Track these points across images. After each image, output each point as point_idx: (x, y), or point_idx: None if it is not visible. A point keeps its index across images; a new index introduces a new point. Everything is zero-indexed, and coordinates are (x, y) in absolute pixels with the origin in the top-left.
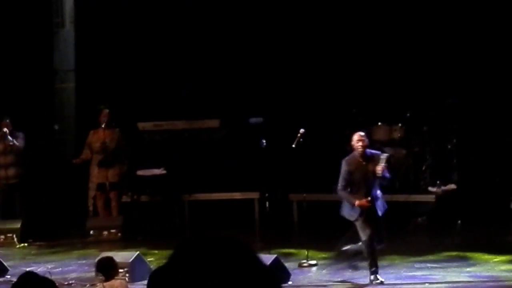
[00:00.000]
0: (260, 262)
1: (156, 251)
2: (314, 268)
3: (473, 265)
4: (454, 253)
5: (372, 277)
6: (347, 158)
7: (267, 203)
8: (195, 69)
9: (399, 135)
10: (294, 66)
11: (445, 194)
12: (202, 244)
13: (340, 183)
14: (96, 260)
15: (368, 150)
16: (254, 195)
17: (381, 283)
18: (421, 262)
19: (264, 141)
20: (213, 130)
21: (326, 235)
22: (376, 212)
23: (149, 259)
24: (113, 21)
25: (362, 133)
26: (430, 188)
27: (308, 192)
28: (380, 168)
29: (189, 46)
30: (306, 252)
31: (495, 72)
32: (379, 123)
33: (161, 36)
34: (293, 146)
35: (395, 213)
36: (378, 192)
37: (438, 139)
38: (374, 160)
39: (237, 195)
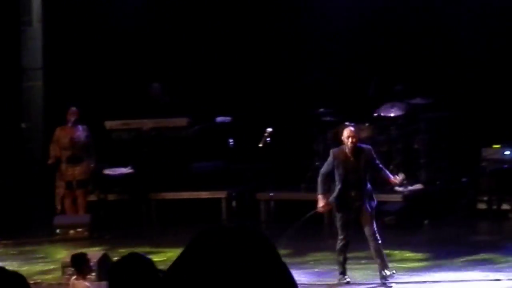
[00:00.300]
0: (278, 254)
1: (123, 250)
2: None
3: (440, 265)
4: (421, 253)
5: (340, 276)
6: (334, 149)
7: (234, 202)
8: (163, 68)
9: (366, 134)
10: (261, 66)
11: (412, 194)
12: (220, 234)
13: (322, 169)
14: (70, 255)
15: (359, 145)
16: (221, 194)
17: (348, 283)
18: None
19: (232, 140)
20: (181, 129)
21: (293, 234)
22: (364, 209)
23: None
24: (81, 19)
25: (353, 128)
26: (397, 188)
27: (275, 191)
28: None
29: (157, 45)
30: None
31: (462, 73)
32: (346, 123)
33: (129, 35)
34: (260, 145)
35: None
36: (368, 187)
37: (405, 138)
38: (364, 155)
39: (204, 194)
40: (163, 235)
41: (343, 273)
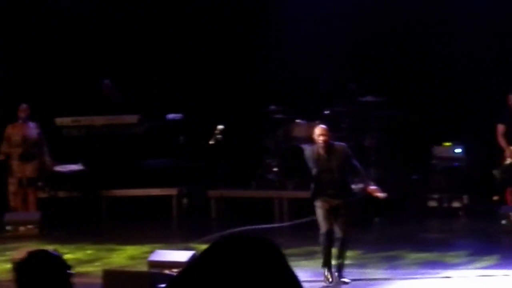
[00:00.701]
0: (289, 267)
1: (73, 247)
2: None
3: (391, 262)
4: (371, 251)
5: (326, 273)
6: (307, 148)
7: (185, 199)
8: (114, 65)
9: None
10: (213, 63)
11: (362, 191)
12: (235, 244)
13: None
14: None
15: (331, 142)
16: (172, 191)
17: (328, 280)
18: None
19: (183, 137)
20: (132, 126)
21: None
22: (340, 209)
23: (66, 255)
24: (31, 15)
25: (324, 126)
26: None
27: (226, 188)
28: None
29: (108, 42)
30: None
31: (413, 71)
32: (298, 120)
33: (79, 31)
34: (211, 142)
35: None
36: (347, 186)
37: (356, 136)
38: (337, 153)
39: (155, 192)
40: (114, 232)
41: (329, 270)
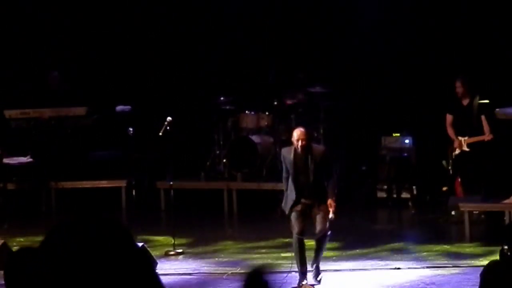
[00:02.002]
0: (134, 243)
1: (22, 239)
2: (180, 257)
3: (340, 254)
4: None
5: (303, 281)
6: (284, 148)
7: (134, 191)
8: (62, 56)
9: (266, 123)
10: (161, 54)
11: None
12: (78, 225)
13: (283, 174)
14: None
15: (310, 145)
16: (121, 183)
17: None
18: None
19: (132, 129)
20: (80, 118)
21: (193, 223)
22: (316, 209)
23: (14, 247)
24: None
25: (303, 129)
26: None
27: (175, 180)
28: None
29: (55, 33)
30: (172, 240)
31: (362, 61)
32: (246, 111)
33: (27, 22)
34: (160, 134)
35: (262, 201)
36: (323, 188)
37: (304, 126)
38: (314, 156)
39: (104, 183)
40: None
41: (303, 275)
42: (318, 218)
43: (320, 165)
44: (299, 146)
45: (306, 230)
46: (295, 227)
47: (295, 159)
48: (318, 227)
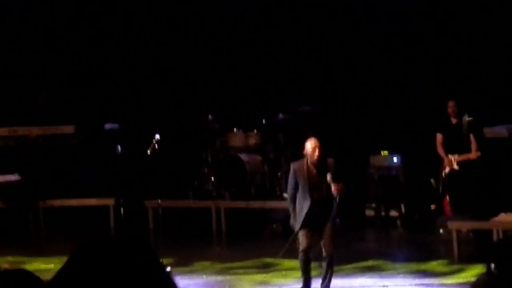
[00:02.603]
0: (162, 265)
1: (10, 258)
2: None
3: None
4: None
5: None
6: (294, 163)
7: (122, 209)
8: (50, 75)
9: (254, 141)
10: (148, 72)
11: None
12: (104, 245)
13: (288, 190)
14: None
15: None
16: (110, 201)
17: None
18: (275, 269)
19: (120, 147)
20: (68, 136)
21: (181, 242)
22: (326, 227)
23: (3, 266)
24: None
25: (316, 139)
26: (285, 195)
27: (163, 198)
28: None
29: (44, 51)
30: (160, 259)
31: (351, 79)
32: (235, 130)
33: (15, 40)
34: (148, 152)
35: (251, 220)
36: (335, 204)
37: (293, 145)
38: (330, 168)
39: (92, 202)
40: (51, 243)
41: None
42: (326, 240)
43: (333, 178)
44: (315, 156)
45: (313, 247)
46: (302, 243)
47: (308, 172)
48: (326, 249)
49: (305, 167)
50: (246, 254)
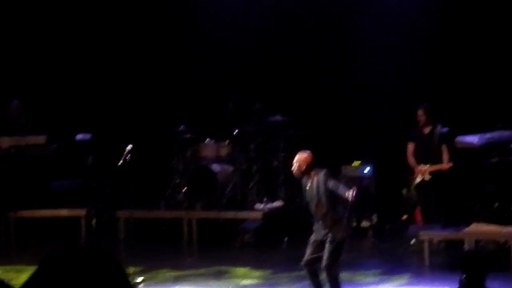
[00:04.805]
0: (126, 277)
1: None
2: (141, 285)
3: (302, 281)
4: (280, 271)
5: None
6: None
7: (93, 220)
8: (21, 85)
9: (226, 152)
10: (121, 83)
11: (271, 211)
12: (68, 256)
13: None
14: None
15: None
16: (81, 212)
17: None
18: (248, 279)
19: (91, 157)
20: (40, 147)
21: (153, 252)
22: (325, 236)
23: None
24: None
25: (299, 154)
26: (257, 205)
27: (135, 209)
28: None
29: (14, 61)
30: (132, 269)
31: (321, 89)
32: (206, 140)
33: None
34: (120, 162)
35: (222, 230)
36: (333, 217)
37: (265, 156)
38: (317, 180)
39: (63, 212)
40: (23, 253)
41: None
42: (325, 252)
43: (325, 193)
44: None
45: (314, 260)
46: (305, 255)
47: (305, 186)
48: (323, 262)
49: (304, 181)
50: (218, 264)
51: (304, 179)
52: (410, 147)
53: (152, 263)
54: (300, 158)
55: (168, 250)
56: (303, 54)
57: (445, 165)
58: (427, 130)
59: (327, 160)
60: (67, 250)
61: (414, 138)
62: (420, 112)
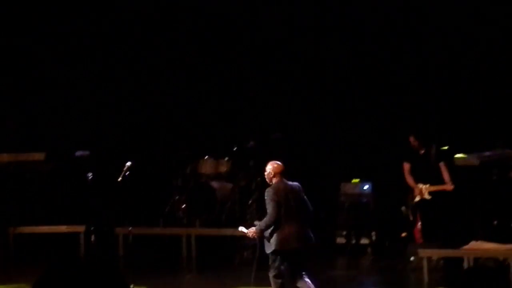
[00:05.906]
0: (126, 284)
1: None
2: None
3: None
4: None
5: None
6: (273, 187)
7: (92, 236)
8: (20, 102)
9: (225, 169)
10: (120, 100)
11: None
12: (70, 266)
13: (271, 217)
14: None
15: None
16: (80, 228)
17: None
18: None
19: (91, 174)
20: (39, 163)
21: (152, 269)
22: (297, 247)
23: None
24: None
25: (278, 162)
26: (256, 222)
27: (134, 225)
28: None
29: (11, 78)
30: (131, 286)
31: (318, 109)
32: (206, 157)
33: None
34: (120, 179)
35: (222, 247)
36: (308, 229)
37: (264, 173)
38: (293, 192)
39: (62, 229)
40: (22, 270)
41: None
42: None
43: (301, 203)
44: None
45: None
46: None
47: (281, 196)
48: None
49: (281, 190)
50: (217, 281)
51: (282, 189)
52: (406, 166)
53: (151, 280)
54: (269, 166)
55: (167, 267)
56: (303, 71)
57: (448, 186)
58: (422, 151)
59: (327, 177)
60: (69, 263)
61: (409, 157)
62: (411, 139)
